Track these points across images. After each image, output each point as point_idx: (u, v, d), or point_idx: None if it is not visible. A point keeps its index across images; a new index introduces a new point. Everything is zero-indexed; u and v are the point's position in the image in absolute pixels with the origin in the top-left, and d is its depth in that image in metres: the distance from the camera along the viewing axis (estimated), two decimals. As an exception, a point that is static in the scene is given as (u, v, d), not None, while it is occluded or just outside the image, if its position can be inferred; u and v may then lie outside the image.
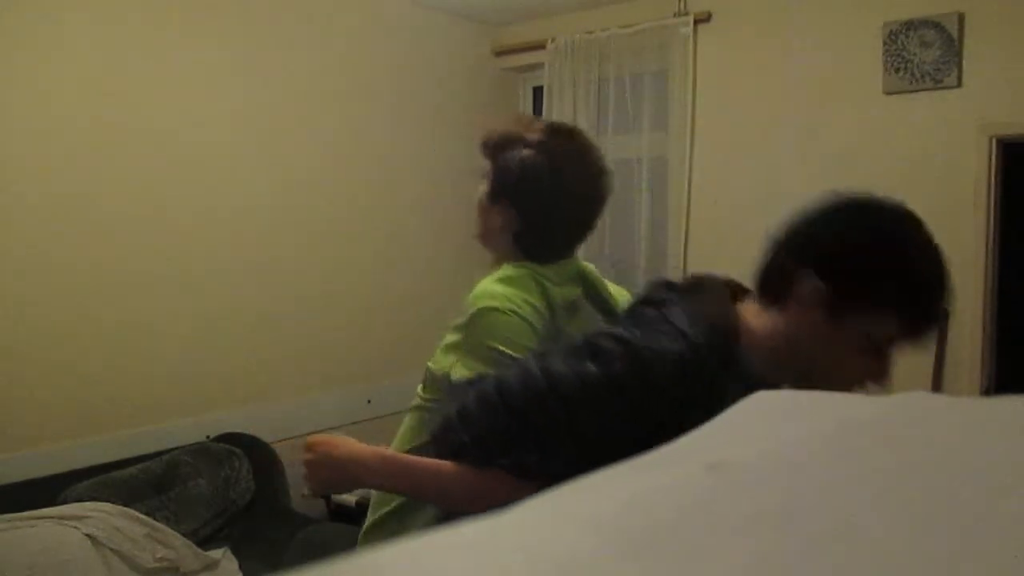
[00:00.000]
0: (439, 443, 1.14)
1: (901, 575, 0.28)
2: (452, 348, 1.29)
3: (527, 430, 1.05)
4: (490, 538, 0.32)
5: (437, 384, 1.30)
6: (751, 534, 0.30)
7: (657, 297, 1.14)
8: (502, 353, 1.22)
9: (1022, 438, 0.39)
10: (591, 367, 1.03)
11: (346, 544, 1.48)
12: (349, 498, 3.01)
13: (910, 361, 3.20)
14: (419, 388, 1.39)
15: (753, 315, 1.12)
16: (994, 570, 0.27)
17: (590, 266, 1.50)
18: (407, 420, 1.39)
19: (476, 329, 1.26)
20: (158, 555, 2.21)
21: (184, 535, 2.38)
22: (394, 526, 1.34)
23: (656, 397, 1.00)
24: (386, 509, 1.36)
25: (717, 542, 0.30)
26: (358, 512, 2.90)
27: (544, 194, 1.35)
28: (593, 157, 1.39)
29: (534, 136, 1.37)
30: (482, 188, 1.43)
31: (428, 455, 1.16)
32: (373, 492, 1.42)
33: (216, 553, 2.43)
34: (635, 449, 1.02)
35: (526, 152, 1.35)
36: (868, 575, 0.28)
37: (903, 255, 1.10)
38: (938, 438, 0.40)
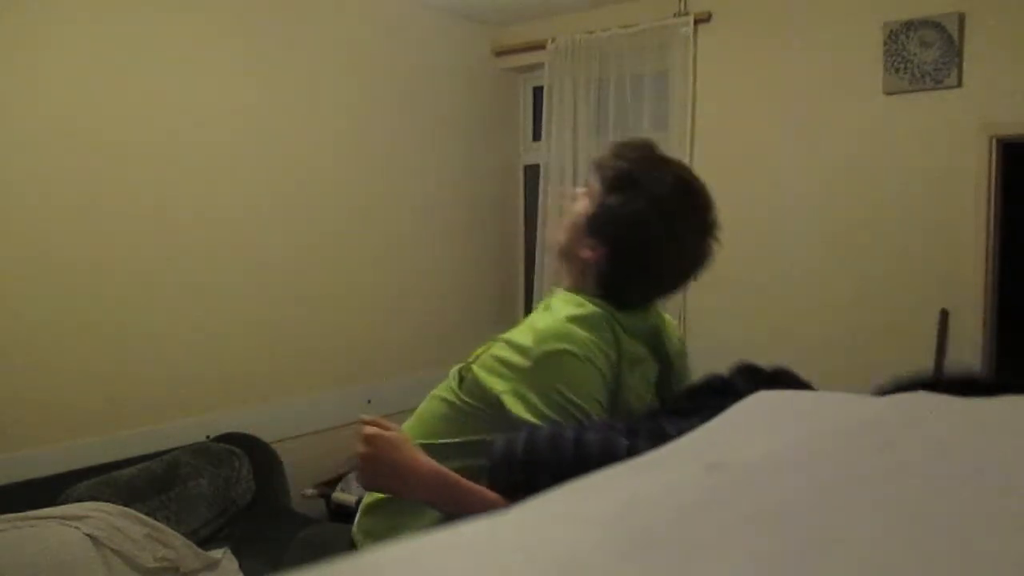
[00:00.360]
0: (496, 476, 1.11)
1: (901, 575, 0.28)
2: (513, 374, 1.23)
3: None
4: (490, 538, 0.32)
5: (482, 396, 1.26)
6: (751, 534, 0.30)
7: (731, 389, 1.10)
8: (570, 401, 1.19)
9: (1022, 438, 0.39)
10: (622, 451, 1.02)
11: (346, 544, 1.48)
12: (349, 498, 3.01)
13: (910, 361, 3.21)
14: (453, 381, 1.34)
15: None
16: (994, 570, 0.27)
17: (666, 317, 1.44)
18: (432, 407, 1.35)
19: (548, 370, 1.21)
20: (158, 555, 2.21)
21: (184, 535, 2.38)
22: (395, 506, 1.32)
23: None
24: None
25: (717, 542, 0.30)
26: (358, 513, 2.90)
27: (646, 254, 1.29)
28: (709, 220, 1.30)
29: (656, 188, 1.27)
30: (582, 207, 1.35)
31: (476, 478, 1.15)
32: None
33: (216, 553, 2.43)
34: None
35: (643, 205, 1.27)
36: (868, 575, 0.28)
37: None
38: (938, 438, 0.40)
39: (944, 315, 2.87)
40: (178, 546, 2.29)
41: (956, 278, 2.86)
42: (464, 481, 1.15)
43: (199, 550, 2.36)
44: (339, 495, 3.08)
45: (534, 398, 1.19)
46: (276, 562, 2.35)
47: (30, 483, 2.37)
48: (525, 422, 1.17)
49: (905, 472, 0.35)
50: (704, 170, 3.56)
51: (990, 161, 2.79)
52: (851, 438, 0.41)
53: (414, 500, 1.20)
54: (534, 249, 3.88)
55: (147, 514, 2.34)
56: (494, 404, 1.24)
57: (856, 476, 0.35)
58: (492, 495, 1.09)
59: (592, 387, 1.22)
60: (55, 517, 2.12)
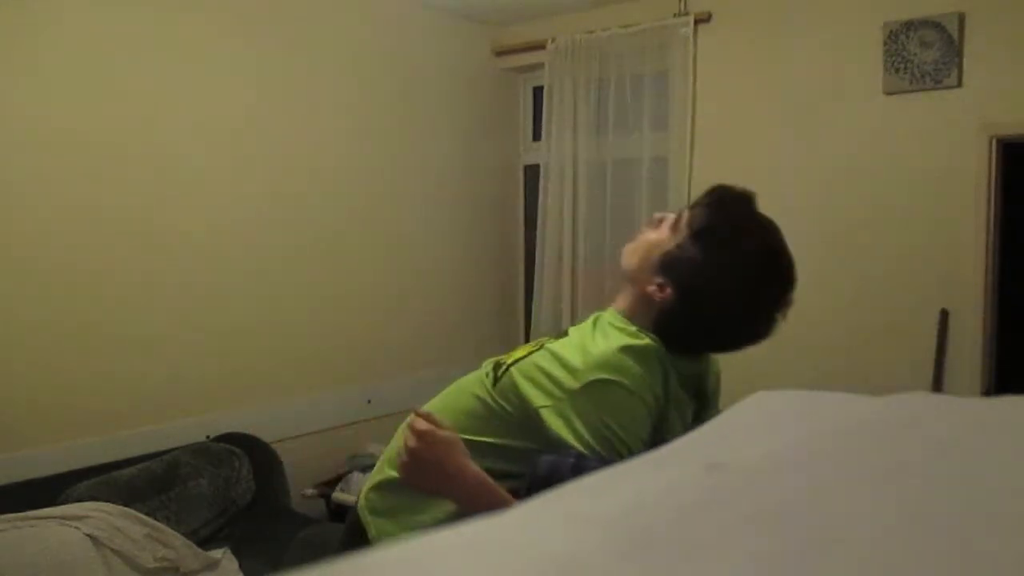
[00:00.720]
0: (536, 493, 1.10)
1: (901, 575, 0.28)
2: (559, 391, 1.20)
3: None
4: (490, 538, 0.32)
5: (519, 403, 1.24)
6: (751, 534, 0.30)
7: None
8: (614, 433, 1.16)
9: (1022, 438, 0.39)
10: None
11: (350, 525, 1.47)
12: (349, 498, 3.01)
13: (910, 361, 3.21)
14: (487, 379, 1.31)
15: None
16: (994, 570, 0.27)
17: (716, 368, 1.41)
18: (462, 401, 1.32)
19: (596, 397, 1.18)
20: (158, 555, 2.21)
21: (184, 535, 2.38)
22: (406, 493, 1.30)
23: None
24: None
25: (717, 542, 0.30)
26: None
27: (713, 313, 1.25)
28: (786, 297, 1.27)
29: (743, 252, 1.23)
30: (661, 239, 1.29)
31: (497, 480, 1.14)
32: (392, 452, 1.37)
33: (216, 553, 2.43)
34: None
35: (725, 264, 1.23)
36: (868, 575, 0.28)
37: None
38: (938, 438, 0.40)
39: (944, 315, 2.87)
40: (178, 546, 2.29)
41: (956, 278, 2.86)
42: (505, 493, 1.14)
43: (199, 550, 2.36)
44: (339, 495, 3.08)
45: (578, 422, 1.17)
46: (276, 562, 2.35)
47: (30, 483, 2.37)
48: (565, 443, 1.15)
49: (905, 472, 0.35)
50: (704, 170, 3.56)
51: (990, 161, 2.79)
52: (851, 438, 0.41)
53: (454, 503, 1.19)
54: (534, 249, 3.88)
55: (147, 514, 2.34)
56: (531, 416, 1.22)
57: (856, 476, 0.35)
58: None
59: (638, 423, 1.19)
60: (55, 517, 2.12)
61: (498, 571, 0.29)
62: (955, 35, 2.80)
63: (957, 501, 0.32)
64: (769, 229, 1.28)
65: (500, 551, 0.31)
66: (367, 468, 3.14)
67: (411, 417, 1.19)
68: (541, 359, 1.25)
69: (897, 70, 2.92)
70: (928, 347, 2.88)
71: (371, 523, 1.37)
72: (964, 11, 2.79)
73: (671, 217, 1.32)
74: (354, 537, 1.40)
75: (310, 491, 3.14)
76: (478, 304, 4.00)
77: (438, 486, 1.17)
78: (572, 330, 1.36)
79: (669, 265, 1.26)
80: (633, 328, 1.27)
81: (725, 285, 1.23)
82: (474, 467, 1.15)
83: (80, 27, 2.55)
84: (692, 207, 1.30)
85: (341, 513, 3.01)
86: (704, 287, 1.24)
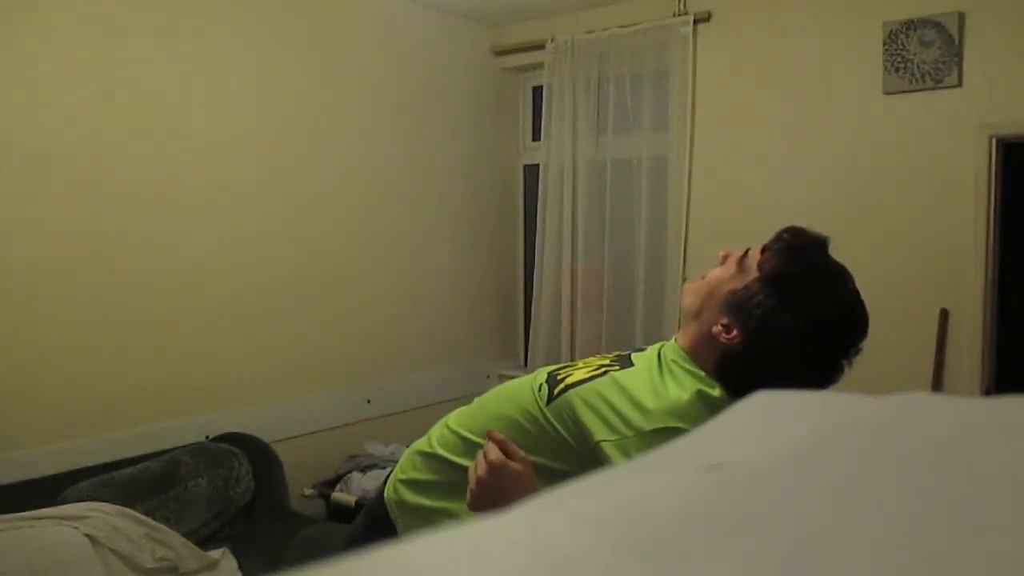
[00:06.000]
0: None
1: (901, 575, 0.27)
2: (625, 429, 1.16)
3: None
4: (490, 538, 0.32)
5: (575, 430, 1.20)
6: (751, 534, 0.30)
7: None
8: None
9: (1022, 438, 0.39)
10: None
11: (346, 544, 1.48)
12: (348, 498, 3.01)
13: (910, 361, 3.21)
14: (540, 393, 1.26)
15: None
16: (994, 571, 0.27)
17: None
18: (510, 413, 1.28)
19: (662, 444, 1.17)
20: (157, 555, 2.21)
21: (184, 535, 2.38)
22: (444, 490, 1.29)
23: None
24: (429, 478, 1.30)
25: (717, 543, 0.30)
26: (358, 512, 2.90)
27: (781, 361, 1.20)
28: (856, 348, 1.22)
29: (817, 304, 1.20)
30: (728, 276, 1.26)
31: None
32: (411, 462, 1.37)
33: (215, 553, 2.43)
34: None
35: (796, 314, 1.19)
36: (868, 575, 0.27)
37: None
38: (938, 438, 0.40)
39: (944, 315, 2.87)
40: (177, 546, 2.29)
41: (956, 278, 2.86)
42: None
43: (198, 550, 2.36)
44: (338, 495, 3.08)
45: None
46: (275, 562, 2.35)
47: (29, 483, 2.38)
48: None
49: (905, 472, 0.35)
50: (704, 170, 3.56)
51: (990, 161, 2.79)
52: (851, 438, 0.41)
53: None
54: (534, 249, 3.88)
55: (146, 514, 2.34)
56: (588, 444, 1.19)
57: (856, 476, 0.35)
58: None
59: None
60: (54, 517, 2.12)
61: (498, 571, 0.29)
62: (955, 35, 2.80)
63: (957, 502, 0.32)
64: (843, 276, 1.27)
65: (500, 551, 0.31)
66: (367, 468, 3.14)
67: (486, 444, 1.15)
68: (606, 389, 1.21)
69: (897, 70, 2.92)
70: (928, 347, 2.88)
71: (399, 520, 1.36)
72: (964, 11, 2.80)
73: (737, 254, 1.29)
74: (376, 528, 1.37)
75: (309, 491, 3.14)
76: (478, 304, 4.00)
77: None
78: (636, 358, 1.31)
79: (738, 307, 1.23)
80: (702, 374, 1.24)
81: (795, 332, 1.19)
82: (533, 491, 1.13)
83: (82, 33, 2.54)
84: (764, 249, 1.27)
85: (340, 513, 3.01)
86: (773, 333, 1.20)
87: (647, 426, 1.15)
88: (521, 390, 1.31)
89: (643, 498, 0.34)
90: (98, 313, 2.61)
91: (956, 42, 2.80)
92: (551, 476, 1.21)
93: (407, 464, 1.38)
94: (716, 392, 1.22)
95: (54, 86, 2.49)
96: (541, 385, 1.28)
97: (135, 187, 2.69)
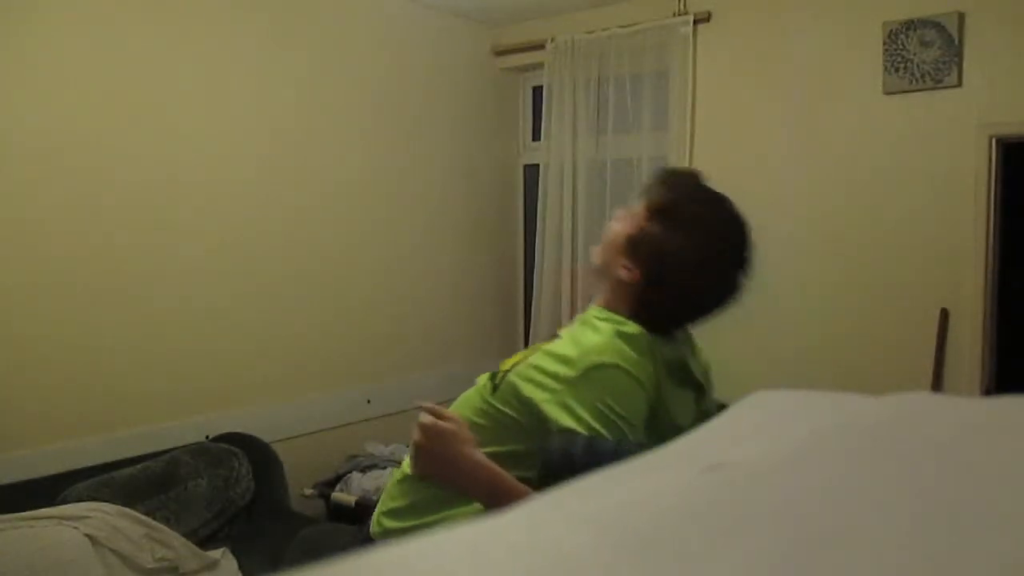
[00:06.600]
0: (555, 476, 1.10)
1: (901, 575, 0.27)
2: (558, 381, 1.23)
3: None
4: (490, 538, 0.32)
5: (519, 405, 1.26)
6: (751, 534, 0.30)
7: None
8: (617, 415, 1.19)
9: (1022, 438, 0.39)
10: None
11: (346, 544, 1.48)
12: (349, 498, 3.01)
13: (910, 361, 3.21)
14: (485, 390, 1.33)
15: None
16: (994, 570, 0.27)
17: (696, 342, 1.46)
18: (463, 411, 1.33)
19: (596, 382, 1.21)
20: (157, 555, 2.21)
21: (184, 535, 2.38)
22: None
23: None
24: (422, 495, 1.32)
25: (716, 543, 0.30)
26: (358, 512, 2.90)
27: (680, 282, 1.30)
28: (745, 257, 1.33)
29: (699, 221, 1.30)
30: (622, 228, 1.36)
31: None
32: (401, 474, 1.39)
33: (215, 553, 2.43)
34: None
35: (682, 235, 1.29)
36: (868, 575, 0.27)
37: None
38: (938, 438, 0.40)
39: (944, 315, 2.87)
40: (177, 546, 2.29)
41: (956, 278, 2.86)
42: (518, 484, 1.16)
43: (198, 550, 2.36)
44: (338, 495, 3.08)
45: (579, 409, 1.19)
46: (275, 562, 2.35)
47: (29, 483, 2.37)
48: (569, 431, 1.17)
49: (905, 472, 0.35)
50: (703, 169, 3.56)
51: (990, 161, 2.79)
52: (851, 438, 0.41)
53: (465, 495, 1.22)
54: (534, 249, 3.88)
55: (146, 514, 2.34)
56: (534, 414, 1.23)
57: (856, 476, 0.35)
58: None
59: (637, 402, 1.22)
60: (54, 517, 2.12)
61: (498, 571, 0.29)
62: (955, 35, 2.80)
63: (957, 501, 0.32)
64: (721, 198, 1.35)
65: (500, 551, 0.31)
66: (367, 468, 3.14)
67: (419, 414, 1.21)
68: (537, 359, 1.29)
69: (897, 70, 2.92)
70: (928, 347, 2.88)
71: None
72: (964, 11, 2.79)
73: (629, 209, 1.40)
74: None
75: (309, 491, 3.14)
76: (478, 303, 4.00)
77: (448, 477, 1.20)
78: (562, 331, 1.39)
79: (634, 247, 1.32)
80: (619, 318, 1.32)
81: (687, 254, 1.29)
82: (478, 455, 1.17)
83: (83, 34, 2.54)
84: (643, 193, 1.37)
85: (340, 513, 3.01)
86: (667, 258, 1.30)
87: (573, 373, 1.22)
88: (471, 394, 1.37)
89: (643, 498, 0.34)
90: (98, 313, 2.61)
91: (956, 42, 2.80)
92: (519, 459, 1.24)
93: (386, 497, 1.42)
94: (631, 328, 1.29)
95: (54, 86, 2.49)
96: (485, 384, 1.35)
97: (135, 187, 2.69)
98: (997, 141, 2.79)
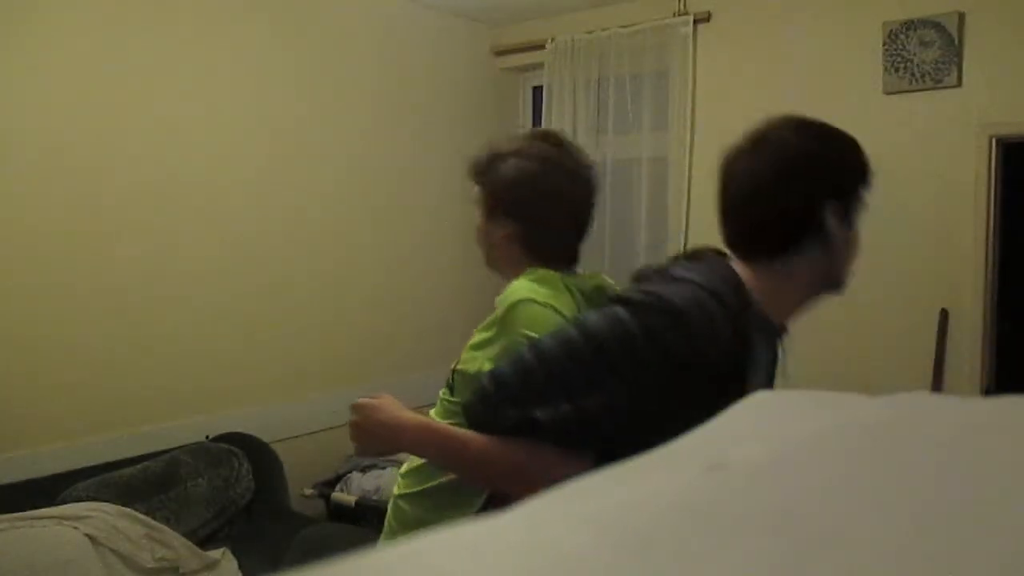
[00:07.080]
0: (472, 414, 1.16)
1: (901, 575, 0.28)
2: (484, 344, 1.32)
3: (561, 380, 1.05)
4: (490, 538, 0.32)
5: (469, 384, 1.30)
6: (751, 534, 0.30)
7: (656, 267, 1.18)
8: (529, 339, 1.22)
9: (1022, 438, 0.39)
10: (622, 311, 1.05)
11: (346, 544, 1.48)
12: (348, 498, 3.01)
13: (910, 361, 3.20)
14: (443, 392, 1.40)
15: (741, 269, 1.18)
16: (994, 570, 0.27)
17: (608, 280, 1.51)
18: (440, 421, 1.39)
19: (511, 321, 1.28)
20: (157, 555, 2.21)
21: (184, 535, 2.38)
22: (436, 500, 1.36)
23: (687, 341, 1.02)
24: (431, 484, 1.37)
25: (717, 543, 0.30)
26: (358, 512, 2.91)
27: (536, 194, 1.39)
28: (575, 153, 1.44)
29: (514, 146, 1.42)
30: (478, 213, 1.47)
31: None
32: (410, 462, 1.44)
33: (216, 553, 2.43)
34: (667, 398, 1.03)
35: (510, 161, 1.40)
36: (868, 575, 0.28)
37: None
38: (938, 438, 0.40)
39: (944, 315, 2.87)
40: (177, 546, 2.29)
41: (956, 278, 2.86)
42: (450, 428, 1.22)
43: (198, 550, 2.36)
44: (338, 495, 3.08)
45: (500, 353, 1.26)
46: (275, 562, 2.35)
47: (30, 483, 2.37)
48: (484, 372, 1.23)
49: (905, 472, 0.35)
50: (704, 170, 3.55)
51: (990, 161, 2.79)
52: (851, 438, 0.41)
53: (408, 453, 1.30)
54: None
55: (146, 514, 2.34)
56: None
57: (856, 476, 0.35)
58: (477, 436, 1.13)
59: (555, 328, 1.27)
60: (54, 517, 2.12)
61: (498, 571, 0.29)
62: (955, 35, 2.80)
63: (957, 502, 0.32)
64: (530, 133, 1.53)
65: (500, 551, 0.31)
66: (367, 468, 3.14)
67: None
68: (470, 341, 1.39)
69: (897, 70, 2.92)
70: (928, 347, 2.88)
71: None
72: (964, 11, 2.80)
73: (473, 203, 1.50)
74: None
75: (309, 491, 3.14)
76: (478, 304, 3.98)
77: (388, 443, 1.25)
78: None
79: (491, 208, 1.43)
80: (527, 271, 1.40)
81: (526, 174, 1.39)
82: (411, 414, 1.23)
83: (80, 32, 2.54)
84: (470, 174, 1.49)
85: (340, 513, 3.01)
86: (517, 189, 1.40)
87: (495, 327, 1.32)
88: (437, 407, 1.43)
89: (643, 498, 0.34)
90: (98, 313, 2.61)
91: (956, 42, 2.80)
92: None
93: (390, 517, 1.45)
94: (537, 272, 1.36)
95: (54, 86, 2.49)
96: (444, 389, 1.42)
97: (135, 187, 2.69)
98: (997, 141, 2.79)
